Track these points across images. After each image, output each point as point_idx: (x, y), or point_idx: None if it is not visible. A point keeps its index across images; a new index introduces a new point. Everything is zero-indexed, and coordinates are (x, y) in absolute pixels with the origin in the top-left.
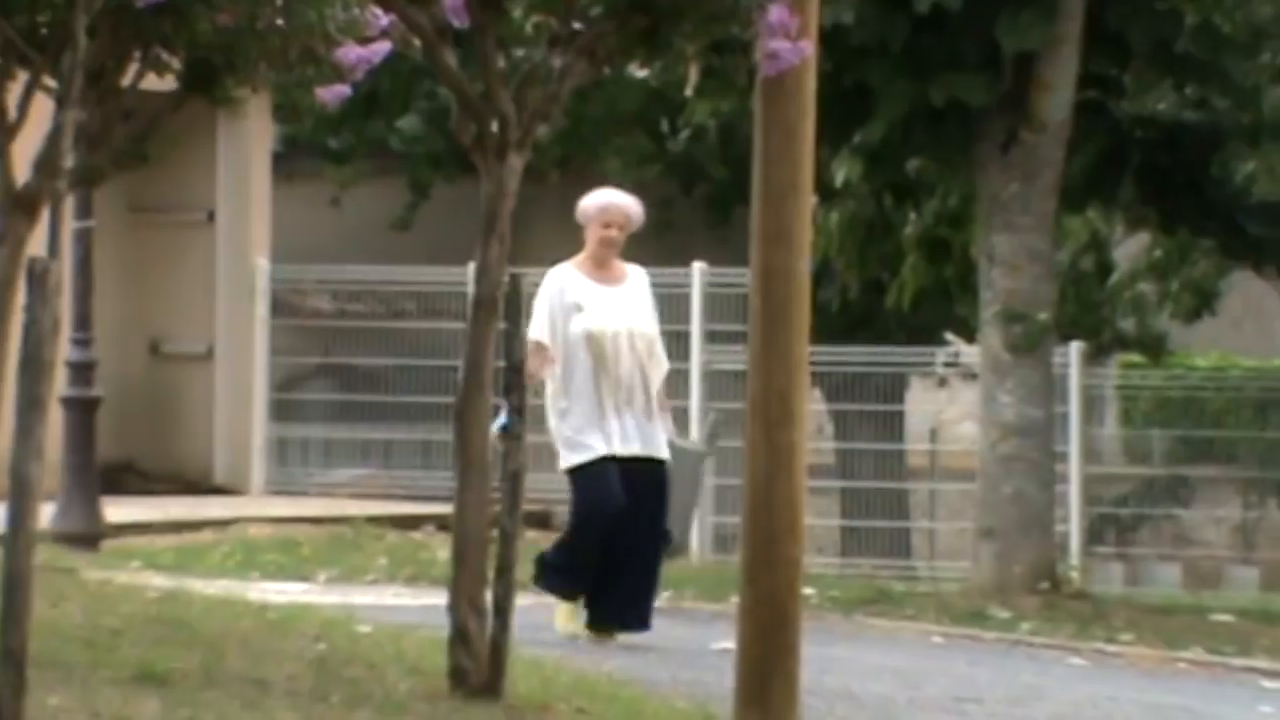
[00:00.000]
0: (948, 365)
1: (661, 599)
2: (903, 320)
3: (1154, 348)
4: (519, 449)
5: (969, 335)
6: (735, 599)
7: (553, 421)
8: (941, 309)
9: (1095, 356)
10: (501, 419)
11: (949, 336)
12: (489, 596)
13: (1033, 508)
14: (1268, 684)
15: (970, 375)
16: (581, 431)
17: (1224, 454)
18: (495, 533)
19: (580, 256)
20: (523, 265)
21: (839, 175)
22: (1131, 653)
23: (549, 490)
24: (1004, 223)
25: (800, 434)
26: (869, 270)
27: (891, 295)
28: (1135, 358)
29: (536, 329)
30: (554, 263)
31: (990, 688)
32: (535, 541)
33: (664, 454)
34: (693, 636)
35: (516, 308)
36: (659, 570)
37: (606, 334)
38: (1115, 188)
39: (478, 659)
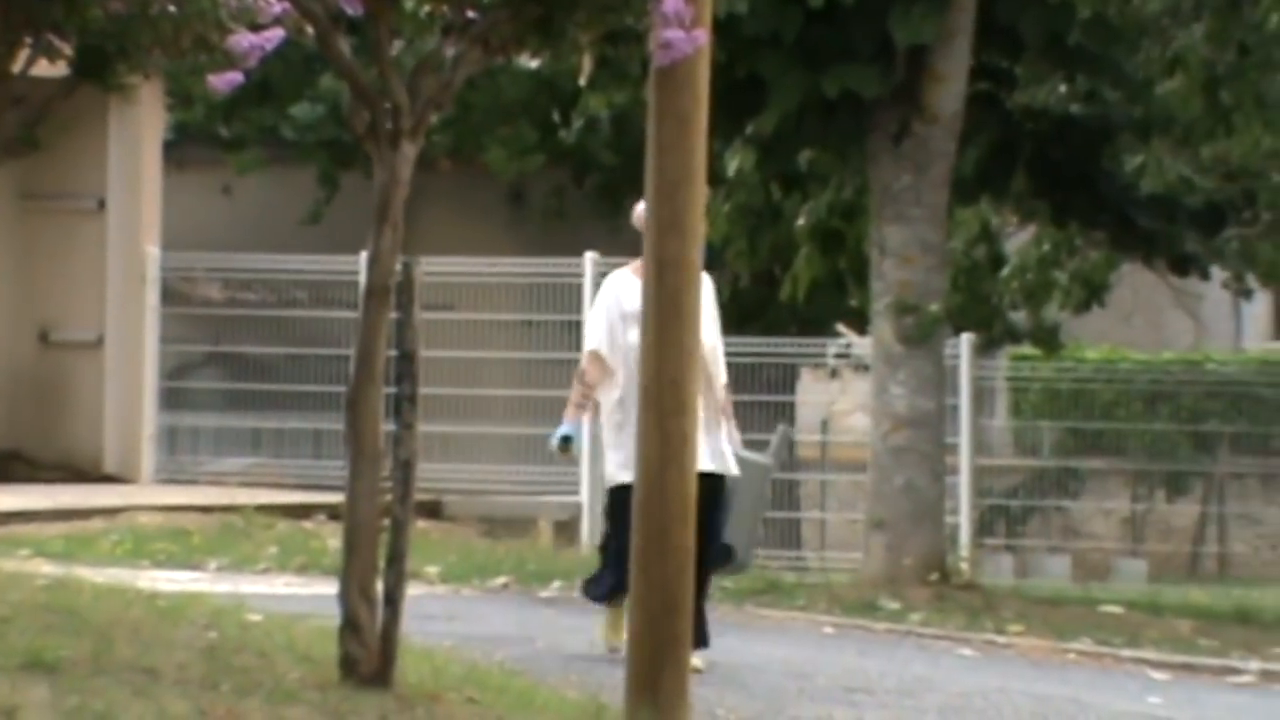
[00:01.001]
0: (839, 357)
1: (552, 589)
2: (794, 311)
3: (1046, 340)
4: (411, 437)
5: (861, 327)
6: None
7: (608, 435)
8: (833, 300)
9: (986, 349)
10: (563, 429)
11: (841, 328)
12: (380, 585)
13: (923, 499)
14: (1156, 675)
15: (862, 367)
16: (629, 449)
17: (1113, 446)
18: (387, 522)
19: (637, 262)
20: (415, 254)
21: (731, 166)
22: (1021, 644)
23: (441, 480)
24: (896, 214)
25: (692, 423)
26: (760, 260)
27: (786, 288)
28: (1026, 350)
29: (593, 338)
30: (447, 251)
31: (880, 678)
32: (426, 531)
33: (728, 467)
34: (583, 626)
35: (409, 295)
36: (709, 585)
37: None
38: (1007, 180)
39: (368, 648)
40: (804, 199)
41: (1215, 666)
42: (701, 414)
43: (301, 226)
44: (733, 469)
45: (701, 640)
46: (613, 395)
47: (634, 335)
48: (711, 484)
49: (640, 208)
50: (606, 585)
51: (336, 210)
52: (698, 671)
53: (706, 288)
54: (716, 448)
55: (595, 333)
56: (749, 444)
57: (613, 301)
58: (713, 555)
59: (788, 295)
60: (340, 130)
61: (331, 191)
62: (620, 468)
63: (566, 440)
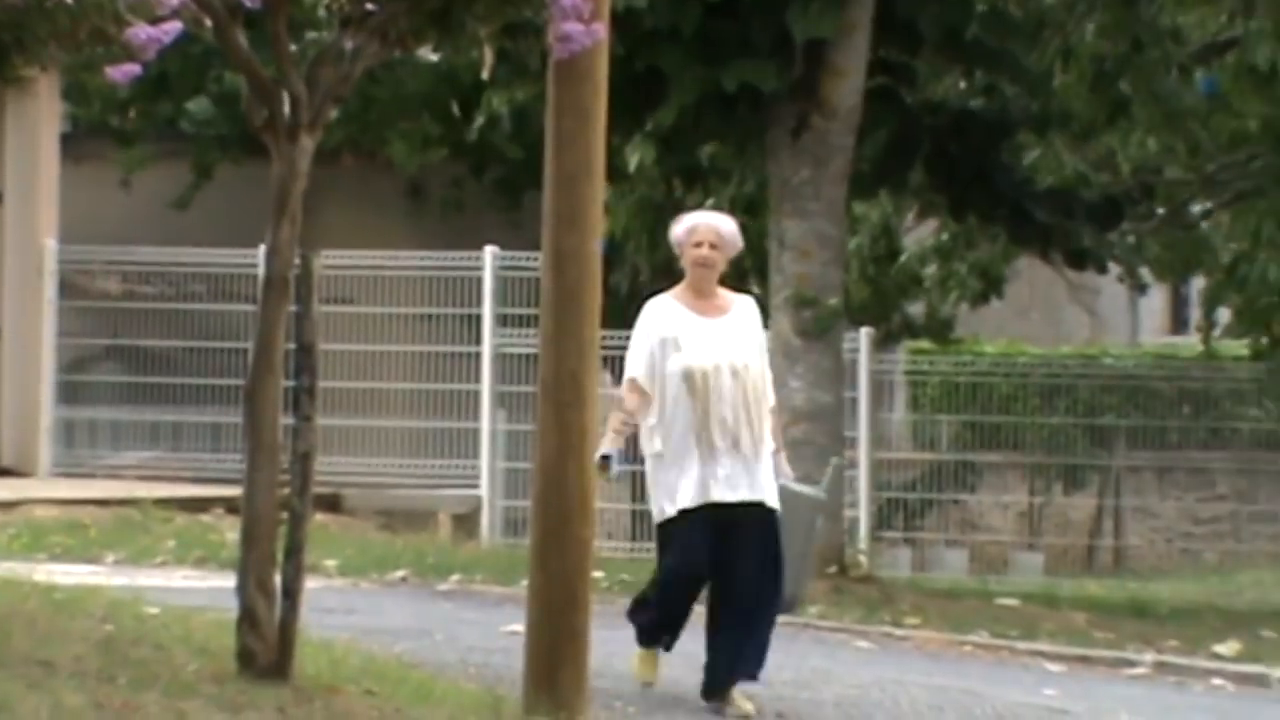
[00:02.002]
0: None
1: (450, 582)
2: None
3: (940, 333)
4: (310, 430)
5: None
6: (525, 582)
7: (649, 467)
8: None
9: (884, 342)
10: (602, 450)
11: None
12: (278, 578)
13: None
14: (1052, 667)
15: None
16: (678, 481)
17: (1010, 440)
18: (285, 515)
19: (680, 286)
20: (314, 247)
21: (633, 161)
22: (918, 636)
23: (339, 473)
24: (794, 208)
25: (591, 416)
26: (661, 254)
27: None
28: (924, 344)
29: (633, 366)
30: (346, 245)
31: (777, 671)
32: (324, 524)
33: (772, 499)
34: (482, 619)
35: (308, 288)
36: (770, 621)
37: (707, 371)
38: (905, 174)
39: (266, 640)
40: (705, 193)
41: (1110, 659)
42: (743, 442)
43: (183, 214)
44: (772, 498)
45: (750, 670)
46: (650, 427)
47: (672, 363)
48: (756, 514)
49: (673, 228)
50: (649, 635)
51: (235, 203)
52: (746, 717)
53: (751, 311)
54: (758, 479)
55: (634, 360)
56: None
57: (652, 326)
58: (764, 588)
59: None
60: (236, 123)
61: (203, 178)
62: (665, 500)
63: (606, 459)
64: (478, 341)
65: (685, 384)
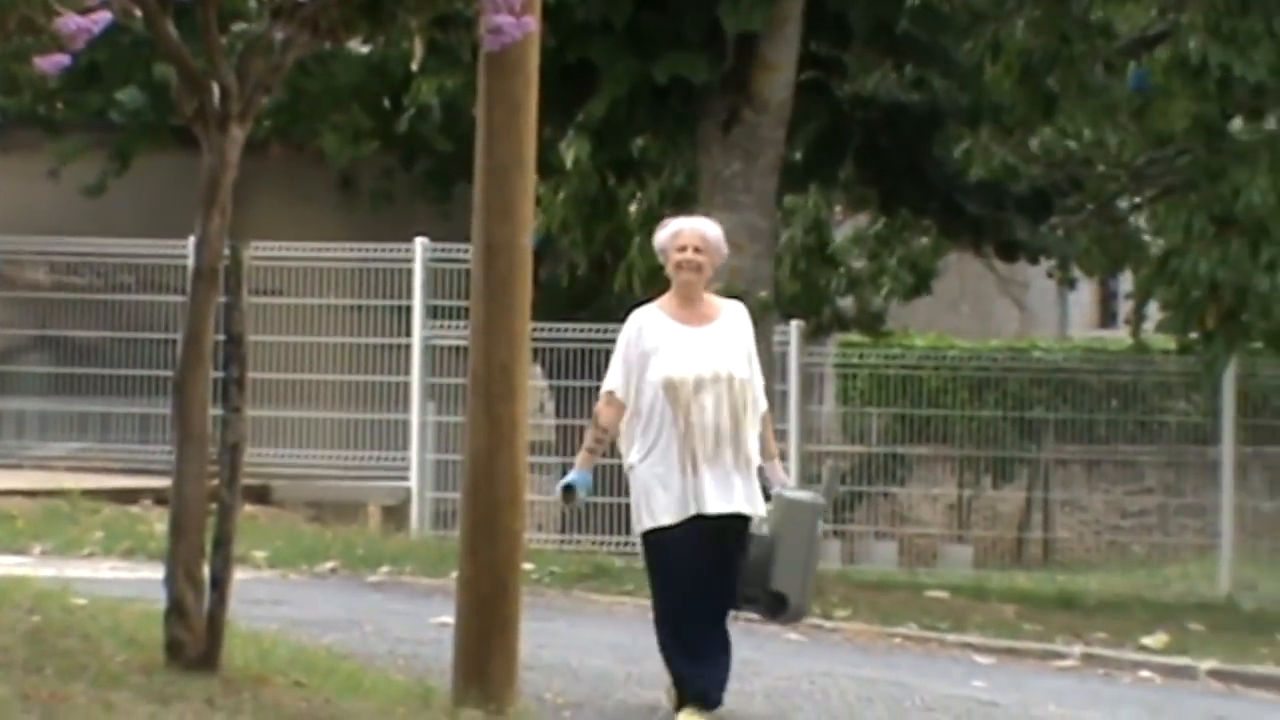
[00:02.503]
0: None
1: (380, 574)
2: (624, 298)
3: (871, 326)
4: (239, 421)
5: None
6: (455, 574)
7: (631, 480)
8: (665, 287)
9: (815, 335)
10: (568, 477)
11: None
12: (206, 569)
13: None
14: (981, 659)
15: None
16: (659, 495)
17: (940, 433)
18: (214, 506)
19: (666, 295)
20: (244, 238)
21: (568, 155)
22: (847, 628)
23: (268, 464)
24: (725, 201)
25: (522, 408)
26: (595, 248)
27: (619, 277)
28: (854, 337)
29: (611, 378)
30: (276, 236)
31: None
32: (253, 516)
33: (751, 510)
34: (411, 611)
35: (237, 279)
36: (728, 638)
37: (687, 381)
38: (836, 167)
39: (194, 632)
40: (638, 186)
41: (1039, 651)
42: (726, 455)
43: (111, 205)
44: (752, 509)
45: (705, 697)
46: (629, 439)
47: (652, 373)
48: (725, 527)
49: (656, 234)
50: (679, 675)
51: (164, 194)
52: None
53: (740, 318)
54: (742, 491)
55: (613, 372)
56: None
57: (633, 335)
58: (721, 605)
59: (621, 286)
60: (169, 114)
61: (123, 167)
62: (644, 513)
63: (569, 489)
64: (408, 333)
65: (666, 395)
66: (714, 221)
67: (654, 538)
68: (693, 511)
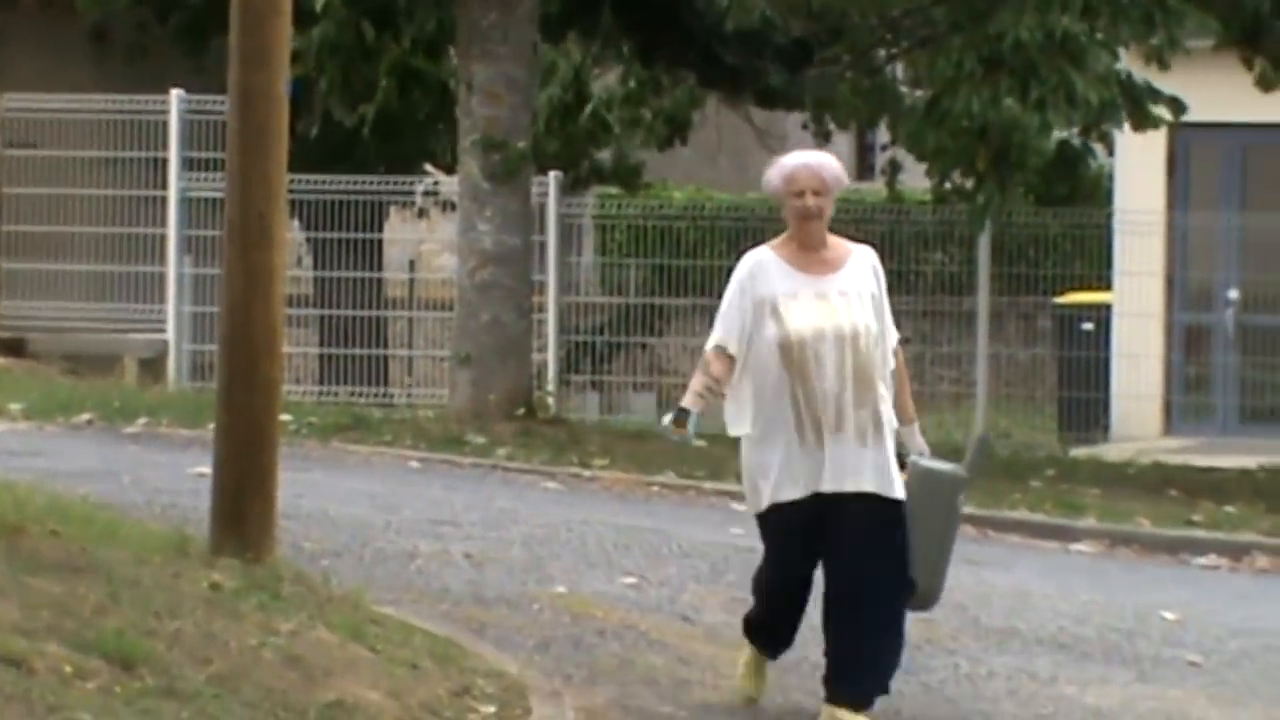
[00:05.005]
0: (427, 195)
1: (137, 425)
2: (381, 151)
3: (629, 179)
4: None
5: (447, 167)
6: (212, 425)
7: (742, 449)
8: (421, 140)
9: (574, 188)
10: (684, 402)
11: (428, 168)
12: None
13: (509, 335)
14: (738, 506)
15: (450, 206)
16: (771, 469)
17: (698, 285)
18: None
19: (783, 237)
20: None
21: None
22: (606, 477)
23: (24, 317)
24: (482, 51)
25: (279, 258)
26: (350, 98)
27: (368, 123)
28: (612, 189)
29: (720, 330)
30: (30, 90)
31: (466, 511)
32: (8, 369)
33: (890, 488)
34: (169, 462)
35: None
36: (889, 629)
37: (805, 339)
38: (594, 17)
39: None
40: (395, 36)
41: None
42: (851, 416)
43: None
44: (891, 487)
45: (860, 692)
46: (738, 403)
47: (767, 330)
48: (868, 507)
49: (767, 173)
50: (760, 641)
51: None
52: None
53: (868, 264)
54: (872, 464)
55: (722, 324)
56: (335, 284)
57: (746, 283)
58: (877, 590)
59: (370, 131)
60: None
61: None
62: (754, 491)
63: (684, 413)
64: (164, 186)
65: (781, 355)
66: (831, 155)
67: (763, 524)
68: (808, 491)
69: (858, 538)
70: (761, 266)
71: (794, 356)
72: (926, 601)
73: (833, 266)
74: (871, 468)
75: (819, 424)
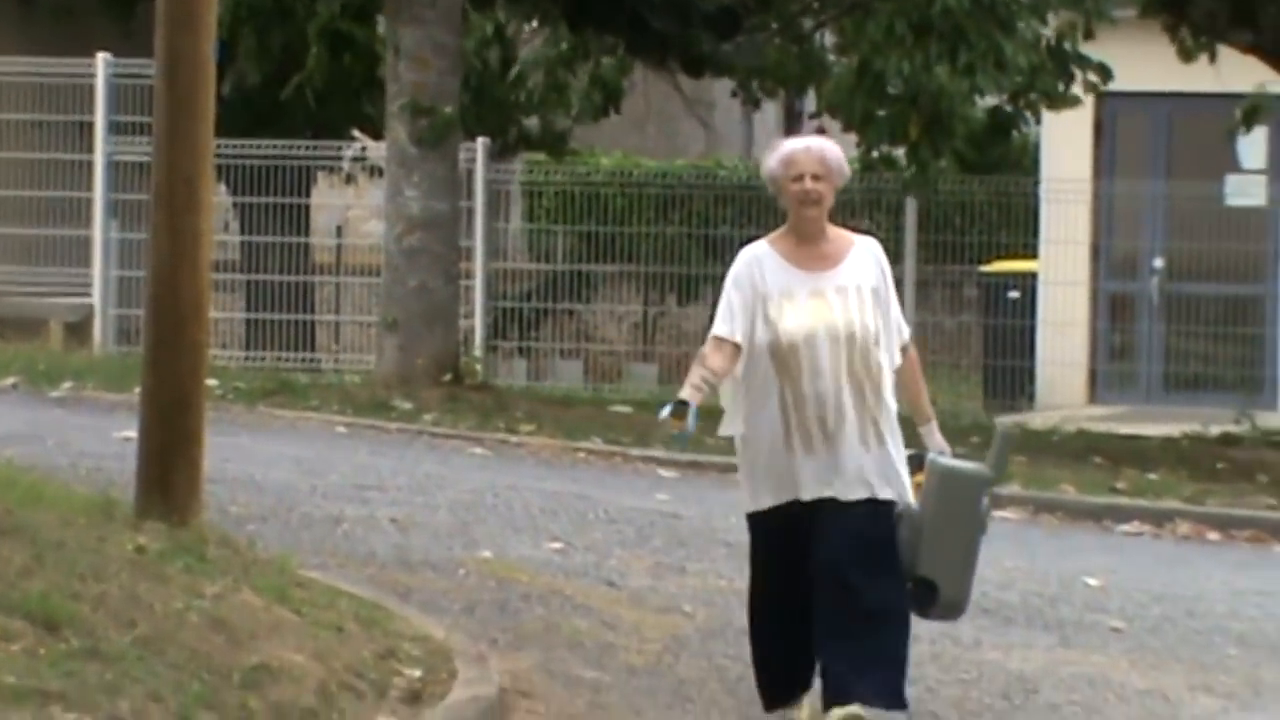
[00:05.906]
0: (355, 160)
1: (62, 389)
2: (309, 116)
3: (556, 145)
4: None
5: (375, 133)
6: (138, 389)
7: (736, 449)
8: (348, 105)
9: (501, 154)
10: (683, 394)
11: (355, 133)
12: None
13: (437, 301)
14: (664, 473)
15: (378, 172)
16: (760, 472)
17: (626, 252)
18: None
19: (781, 230)
20: None
21: None
22: (532, 443)
23: None
24: (411, 15)
25: (206, 221)
26: (270, 61)
27: (292, 88)
28: (540, 156)
29: (720, 322)
30: None
31: (392, 476)
32: None
33: (884, 492)
34: (95, 425)
35: None
36: (897, 636)
37: (797, 342)
38: None
39: None
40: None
41: (720, 464)
42: (850, 419)
43: None
44: (885, 491)
45: (886, 695)
46: (730, 400)
47: (759, 327)
48: (860, 515)
49: (765, 161)
50: (765, 691)
51: None
52: None
53: (871, 256)
54: (869, 469)
55: (723, 316)
56: (262, 250)
57: (743, 277)
58: (869, 599)
59: (296, 96)
60: None
61: None
62: (746, 493)
63: (683, 405)
64: (90, 149)
65: (772, 358)
66: (831, 140)
67: (751, 527)
68: (795, 496)
69: (843, 541)
70: (758, 261)
71: (784, 359)
72: (952, 610)
73: (832, 261)
74: (872, 471)
75: (810, 427)
